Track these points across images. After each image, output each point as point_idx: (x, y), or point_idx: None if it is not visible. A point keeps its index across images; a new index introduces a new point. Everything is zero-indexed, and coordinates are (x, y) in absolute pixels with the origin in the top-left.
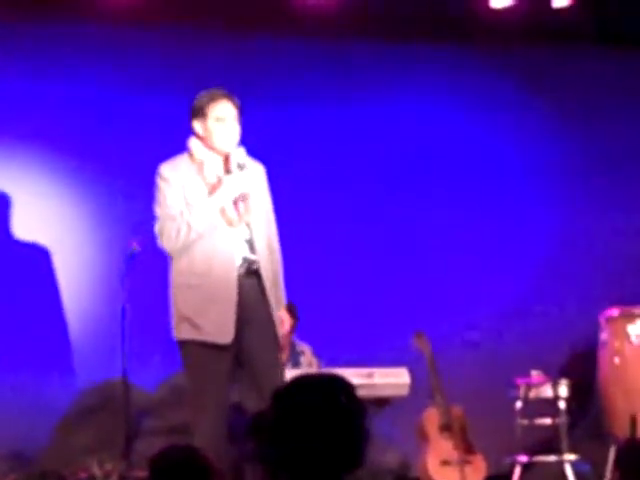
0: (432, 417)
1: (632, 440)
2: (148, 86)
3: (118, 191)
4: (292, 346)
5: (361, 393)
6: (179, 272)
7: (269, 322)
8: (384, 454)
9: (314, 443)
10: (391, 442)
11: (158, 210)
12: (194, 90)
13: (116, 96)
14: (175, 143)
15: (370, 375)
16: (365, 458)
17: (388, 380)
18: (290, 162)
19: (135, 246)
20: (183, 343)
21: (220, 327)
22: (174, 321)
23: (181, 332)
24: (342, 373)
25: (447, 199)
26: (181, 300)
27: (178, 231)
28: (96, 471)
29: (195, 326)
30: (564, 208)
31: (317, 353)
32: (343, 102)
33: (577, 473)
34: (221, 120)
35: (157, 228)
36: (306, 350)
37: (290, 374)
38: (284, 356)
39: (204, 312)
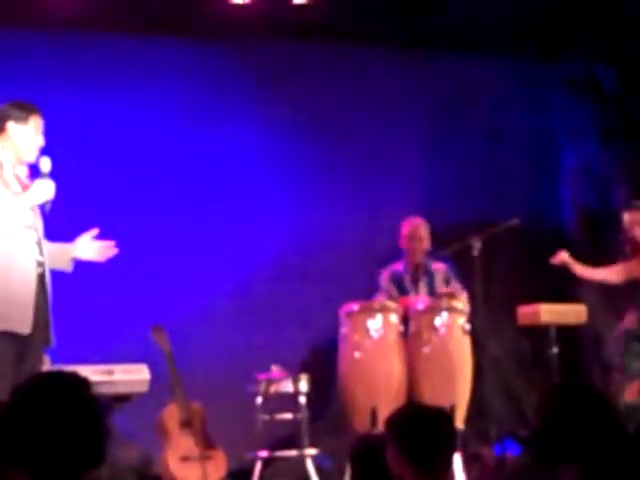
0: (172, 413)
1: (364, 436)
2: None
3: None
4: None
5: (101, 390)
6: None
7: (48, 329)
8: (125, 451)
9: (51, 440)
10: (132, 439)
11: None
12: None
13: None
14: None
15: (110, 372)
16: (105, 455)
17: (128, 377)
18: None
19: None
20: None
21: (22, 319)
22: None
23: None
24: (80, 370)
25: (189, 200)
26: None
27: None
28: None
29: None
30: (300, 205)
31: (48, 352)
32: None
33: (318, 467)
34: (37, 133)
35: None
36: None
37: None
38: None
39: (6, 303)
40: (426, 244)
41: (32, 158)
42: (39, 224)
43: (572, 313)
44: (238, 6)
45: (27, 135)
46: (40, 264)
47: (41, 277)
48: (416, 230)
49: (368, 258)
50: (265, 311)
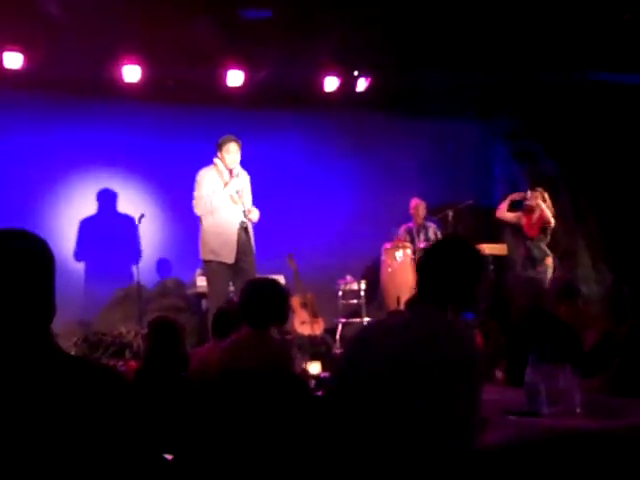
0: (296, 299)
1: (393, 311)
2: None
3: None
4: None
5: None
6: (207, 225)
7: (252, 256)
8: None
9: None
10: None
11: (196, 194)
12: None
13: (155, 144)
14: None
15: None
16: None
17: None
18: None
19: (142, 214)
20: (208, 262)
21: (229, 254)
22: (203, 249)
23: (208, 255)
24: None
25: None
26: (210, 239)
27: (205, 204)
28: (123, 331)
29: (216, 253)
30: (357, 201)
31: None
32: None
33: None
34: (228, 153)
35: (195, 202)
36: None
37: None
38: None
39: (222, 246)
40: (423, 213)
41: (232, 167)
42: (245, 200)
43: (497, 249)
44: (329, 92)
45: (225, 156)
46: (244, 223)
47: (245, 229)
48: (418, 207)
49: (392, 221)
50: (343, 247)
